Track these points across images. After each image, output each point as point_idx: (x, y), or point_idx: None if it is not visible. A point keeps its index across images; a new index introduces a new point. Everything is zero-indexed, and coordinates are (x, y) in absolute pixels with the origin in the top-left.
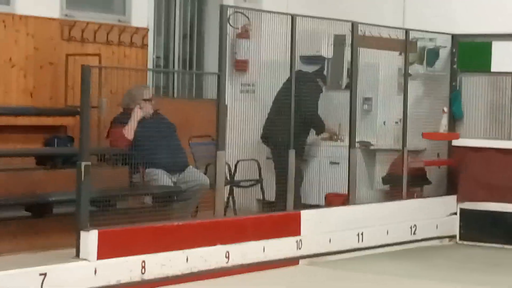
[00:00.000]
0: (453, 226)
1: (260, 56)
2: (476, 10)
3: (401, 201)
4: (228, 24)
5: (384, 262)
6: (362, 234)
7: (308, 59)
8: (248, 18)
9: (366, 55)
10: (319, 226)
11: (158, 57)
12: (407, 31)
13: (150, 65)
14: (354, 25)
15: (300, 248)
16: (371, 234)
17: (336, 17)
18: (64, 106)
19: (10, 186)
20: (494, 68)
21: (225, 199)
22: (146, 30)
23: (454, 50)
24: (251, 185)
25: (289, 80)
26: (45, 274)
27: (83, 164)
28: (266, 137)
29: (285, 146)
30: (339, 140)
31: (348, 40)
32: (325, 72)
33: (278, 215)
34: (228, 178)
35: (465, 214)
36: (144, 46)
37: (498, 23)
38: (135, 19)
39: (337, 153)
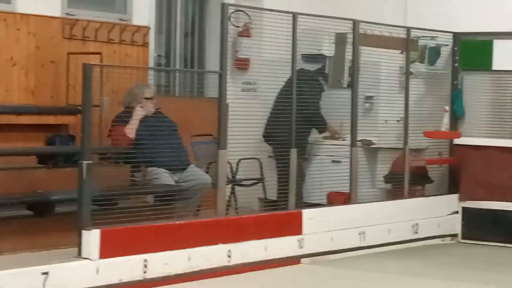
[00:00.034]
0: (455, 224)
1: (261, 54)
2: (477, 8)
3: (402, 199)
4: (229, 23)
5: (386, 261)
6: (364, 233)
7: (309, 58)
8: (249, 16)
9: (367, 53)
10: (321, 225)
11: (159, 56)
12: (408, 30)
13: (151, 63)
14: (355, 24)
15: (301, 247)
16: (373, 233)
17: (338, 15)
18: (65, 105)
19: (12, 185)
20: (495, 66)
21: (227, 198)
22: (148, 28)
23: (455, 49)
24: (253, 184)
25: (291, 79)
26: (47, 273)
27: (84, 163)
28: (268, 136)
29: (287, 144)
30: (340, 139)
31: (350, 39)
32: (326, 71)
33: (280, 214)
34: (229, 177)
35: (467, 213)
36: (146, 44)
37: (499, 21)
38: (136, 17)
39: (338, 152)
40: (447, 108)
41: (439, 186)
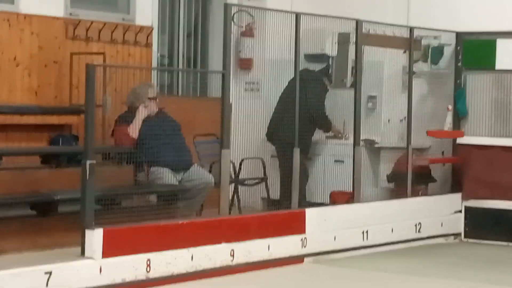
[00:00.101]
0: (458, 224)
1: (264, 54)
2: (480, 7)
3: (405, 199)
4: (232, 23)
5: (389, 260)
6: (367, 232)
7: (312, 57)
8: (252, 16)
9: (370, 53)
10: (324, 224)
11: (162, 56)
12: (411, 29)
13: (154, 63)
14: (358, 23)
15: (304, 246)
16: (376, 232)
17: (341, 15)
18: (68, 105)
19: (15, 185)
20: (498, 65)
21: (230, 198)
22: (151, 28)
23: (458, 48)
24: (256, 184)
25: (295, 79)
26: (50, 273)
27: (88, 162)
28: (271, 135)
29: (290, 144)
30: (343, 138)
31: (353, 38)
32: (330, 71)
33: (283, 213)
34: (232, 176)
35: (470, 212)
36: (149, 44)
37: (502, 21)
38: (139, 17)
39: (341, 151)
40: (450, 107)
41: (442, 185)
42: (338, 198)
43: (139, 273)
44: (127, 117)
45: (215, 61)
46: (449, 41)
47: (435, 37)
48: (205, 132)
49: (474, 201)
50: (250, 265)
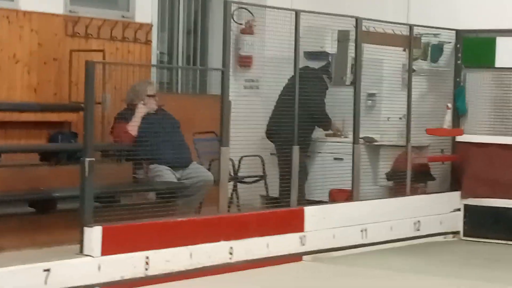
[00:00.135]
0: (457, 222)
1: (264, 51)
2: (480, 5)
3: (405, 197)
4: (232, 20)
5: (388, 258)
6: (366, 230)
7: (312, 55)
8: (252, 13)
9: (370, 51)
10: (323, 222)
11: (162, 53)
12: (411, 27)
13: (154, 61)
14: (358, 21)
15: (303, 244)
16: (375, 230)
17: (340, 12)
18: (68, 102)
19: (14, 182)
20: (498, 63)
21: (229, 195)
22: (150, 26)
23: (458, 46)
24: (255, 181)
25: (294, 76)
26: (48, 270)
27: (87, 160)
28: (270, 133)
29: (290, 142)
30: (343, 136)
31: (352, 36)
32: (330, 68)
33: (282, 211)
34: (232, 174)
35: (469, 210)
36: (148, 42)
37: (502, 19)
38: (139, 15)
39: (341, 149)
40: (450, 105)
41: (441, 184)
42: (337, 196)
43: (138, 271)
44: (126, 114)
45: (214, 59)
46: (448, 39)
47: (435, 35)
48: (205, 130)
49: (473, 199)
50: (249, 263)
